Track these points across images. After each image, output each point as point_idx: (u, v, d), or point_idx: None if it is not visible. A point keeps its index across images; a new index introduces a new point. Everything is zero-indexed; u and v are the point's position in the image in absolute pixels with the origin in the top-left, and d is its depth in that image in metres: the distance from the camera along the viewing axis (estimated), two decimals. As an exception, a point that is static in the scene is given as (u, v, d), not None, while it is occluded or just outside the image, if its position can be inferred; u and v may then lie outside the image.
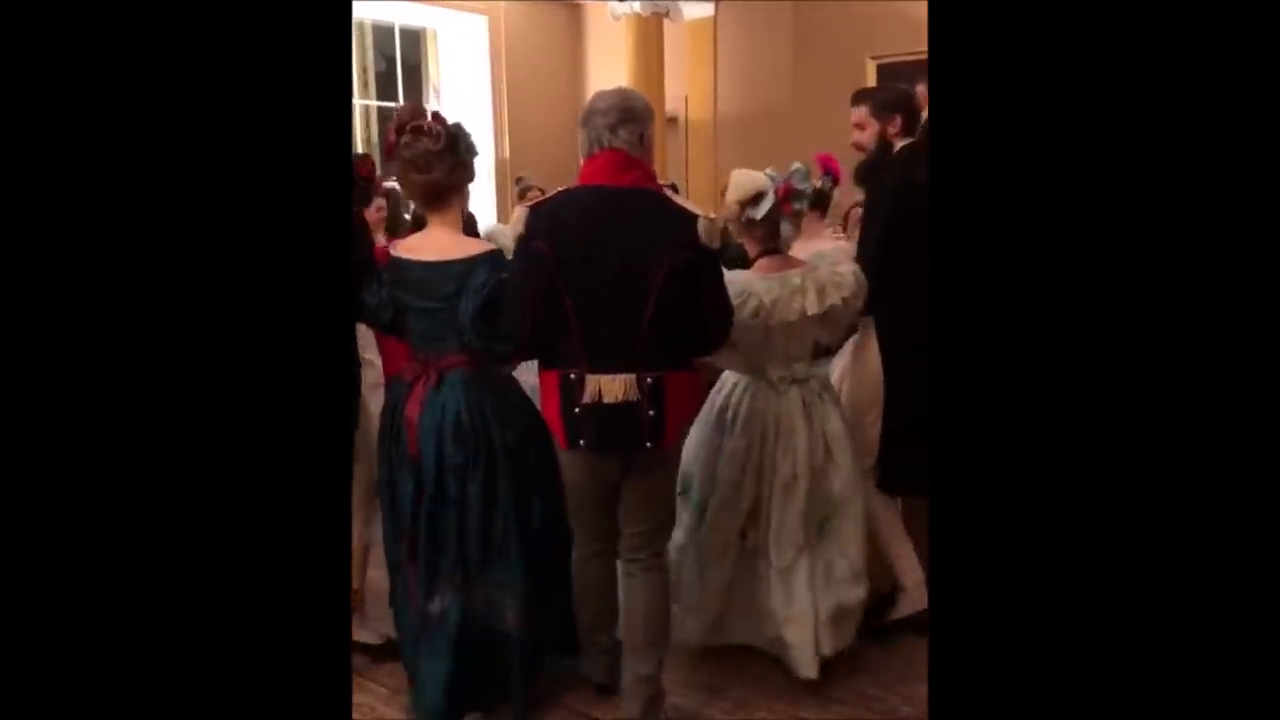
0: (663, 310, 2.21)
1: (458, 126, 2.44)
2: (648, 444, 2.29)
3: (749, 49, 7.40)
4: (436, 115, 2.42)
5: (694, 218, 2.22)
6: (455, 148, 2.40)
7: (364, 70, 7.33)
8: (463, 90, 7.76)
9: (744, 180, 2.63)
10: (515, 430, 2.48)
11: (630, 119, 2.28)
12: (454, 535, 2.44)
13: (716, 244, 2.26)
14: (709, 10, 7.52)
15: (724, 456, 2.74)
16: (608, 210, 2.22)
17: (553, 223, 2.23)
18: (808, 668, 2.66)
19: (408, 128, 2.36)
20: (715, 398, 2.84)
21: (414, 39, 7.74)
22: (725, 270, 2.42)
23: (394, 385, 2.57)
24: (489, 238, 7.48)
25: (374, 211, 3.09)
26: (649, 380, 2.24)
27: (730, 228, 2.75)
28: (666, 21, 7.22)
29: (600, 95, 2.35)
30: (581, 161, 2.33)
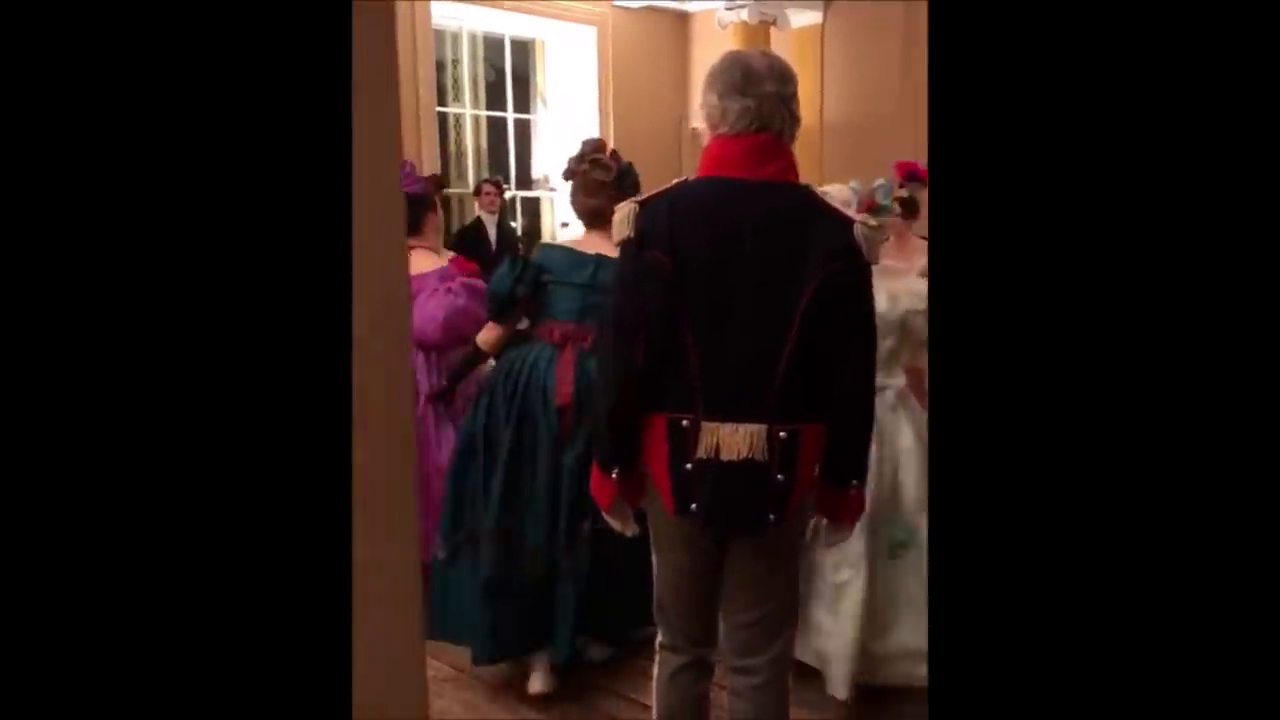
0: (807, 341, 1.72)
1: (629, 165, 2.80)
2: (770, 517, 1.77)
3: (857, 56, 7.33)
4: (614, 153, 2.82)
5: (849, 222, 1.75)
6: (622, 182, 2.74)
7: (475, 80, 7.56)
8: (570, 100, 7.91)
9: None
10: None
11: (797, 90, 1.79)
12: None
13: (876, 258, 1.79)
14: (817, 17, 7.49)
15: None
16: (746, 209, 1.73)
17: (671, 224, 1.74)
18: (840, 687, 2.57)
19: (588, 158, 2.76)
20: None
21: (524, 50, 7.93)
22: None
23: (528, 345, 2.80)
24: None
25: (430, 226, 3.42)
26: (782, 435, 1.73)
27: None
28: (773, 29, 7.22)
29: (743, 56, 1.81)
30: (709, 141, 1.82)
